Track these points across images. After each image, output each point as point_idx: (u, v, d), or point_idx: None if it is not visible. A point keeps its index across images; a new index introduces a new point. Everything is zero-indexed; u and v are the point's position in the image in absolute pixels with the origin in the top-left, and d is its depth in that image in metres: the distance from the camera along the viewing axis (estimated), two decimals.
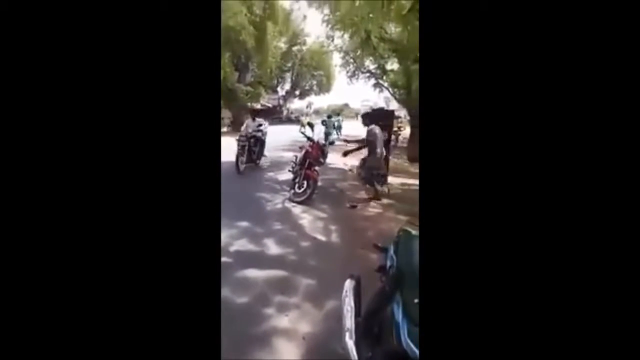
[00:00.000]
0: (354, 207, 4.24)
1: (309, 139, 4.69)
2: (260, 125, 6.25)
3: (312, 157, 4.39)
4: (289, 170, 4.70)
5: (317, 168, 4.49)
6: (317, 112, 25.63)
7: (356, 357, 1.02)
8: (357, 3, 6.07)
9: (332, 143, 5.09)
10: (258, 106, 21.58)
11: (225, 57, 14.06)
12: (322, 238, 3.17)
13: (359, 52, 11.05)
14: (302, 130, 4.80)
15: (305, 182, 4.29)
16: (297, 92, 27.57)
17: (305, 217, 3.72)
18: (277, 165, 6.68)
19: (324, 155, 4.66)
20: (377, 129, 4.43)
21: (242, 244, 2.87)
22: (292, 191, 4.34)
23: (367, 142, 4.45)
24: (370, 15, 6.24)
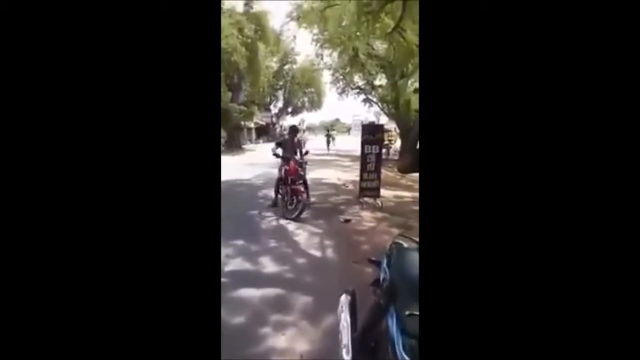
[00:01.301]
0: (347, 221, 4.25)
1: (280, 157, 4.78)
2: None
3: (291, 173, 4.46)
4: (278, 192, 4.75)
5: (301, 182, 4.54)
6: (309, 129, 25.94)
7: None
8: (344, 22, 6.28)
9: (306, 153, 5.09)
10: (251, 124, 21.79)
11: None
12: (317, 254, 3.16)
13: (347, 69, 11.34)
14: (273, 149, 4.88)
15: (294, 199, 4.33)
16: (289, 110, 27.88)
17: (300, 234, 3.71)
18: (272, 182, 6.68)
19: (303, 168, 4.73)
20: (287, 139, 5.09)
21: (238, 263, 2.84)
22: (284, 209, 4.40)
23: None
24: (357, 33, 6.46)
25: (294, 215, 4.20)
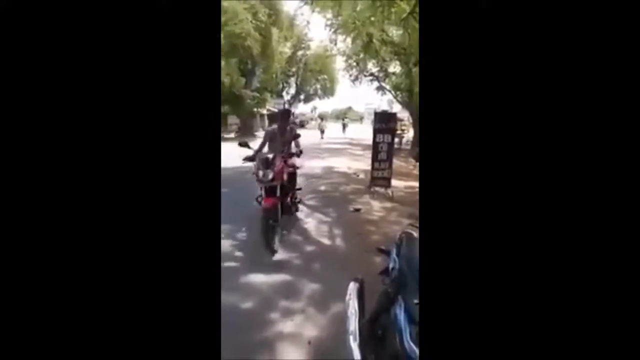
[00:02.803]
0: (357, 210, 4.24)
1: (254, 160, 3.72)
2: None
3: (277, 178, 3.19)
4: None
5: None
6: (321, 117, 25.84)
7: None
8: (358, 7, 6.12)
9: (298, 136, 3.64)
10: (264, 111, 21.77)
11: (232, 63, 14.24)
12: (326, 242, 3.17)
13: (361, 56, 11.09)
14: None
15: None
16: (302, 97, 27.64)
17: (309, 222, 3.73)
18: None
19: (290, 166, 3.66)
20: (274, 129, 3.42)
21: (248, 249, 2.88)
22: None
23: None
24: (372, 18, 6.29)
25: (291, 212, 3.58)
